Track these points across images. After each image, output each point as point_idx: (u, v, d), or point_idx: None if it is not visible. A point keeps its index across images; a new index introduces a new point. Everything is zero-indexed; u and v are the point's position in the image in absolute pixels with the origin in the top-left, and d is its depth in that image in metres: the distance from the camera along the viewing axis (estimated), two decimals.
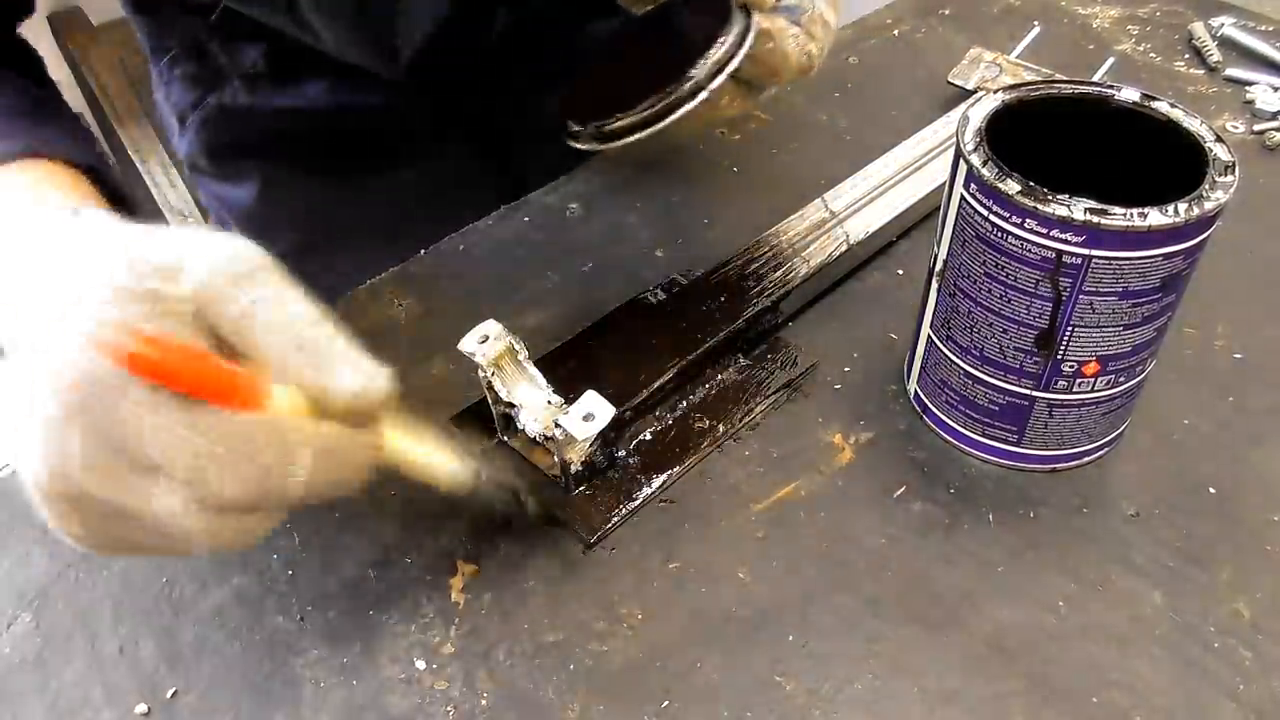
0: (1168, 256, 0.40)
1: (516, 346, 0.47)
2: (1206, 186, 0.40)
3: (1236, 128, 0.70)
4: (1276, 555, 0.45)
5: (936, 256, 0.47)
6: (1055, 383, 0.45)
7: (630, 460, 0.49)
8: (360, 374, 0.32)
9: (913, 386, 0.52)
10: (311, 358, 0.31)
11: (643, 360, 0.51)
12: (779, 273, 0.55)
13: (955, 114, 0.66)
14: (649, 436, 0.50)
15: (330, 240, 0.76)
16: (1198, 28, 0.80)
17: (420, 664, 0.42)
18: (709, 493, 0.48)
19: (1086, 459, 0.49)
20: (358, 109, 0.71)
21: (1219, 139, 0.42)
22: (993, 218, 0.41)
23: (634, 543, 0.46)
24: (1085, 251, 0.40)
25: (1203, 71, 0.77)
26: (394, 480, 0.48)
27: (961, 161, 0.43)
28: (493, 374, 0.46)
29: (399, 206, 0.75)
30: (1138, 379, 0.46)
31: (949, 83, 0.73)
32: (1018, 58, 0.74)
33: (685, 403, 0.52)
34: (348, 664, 0.42)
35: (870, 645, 0.42)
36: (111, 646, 0.43)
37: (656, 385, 0.50)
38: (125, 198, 0.46)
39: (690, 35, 0.50)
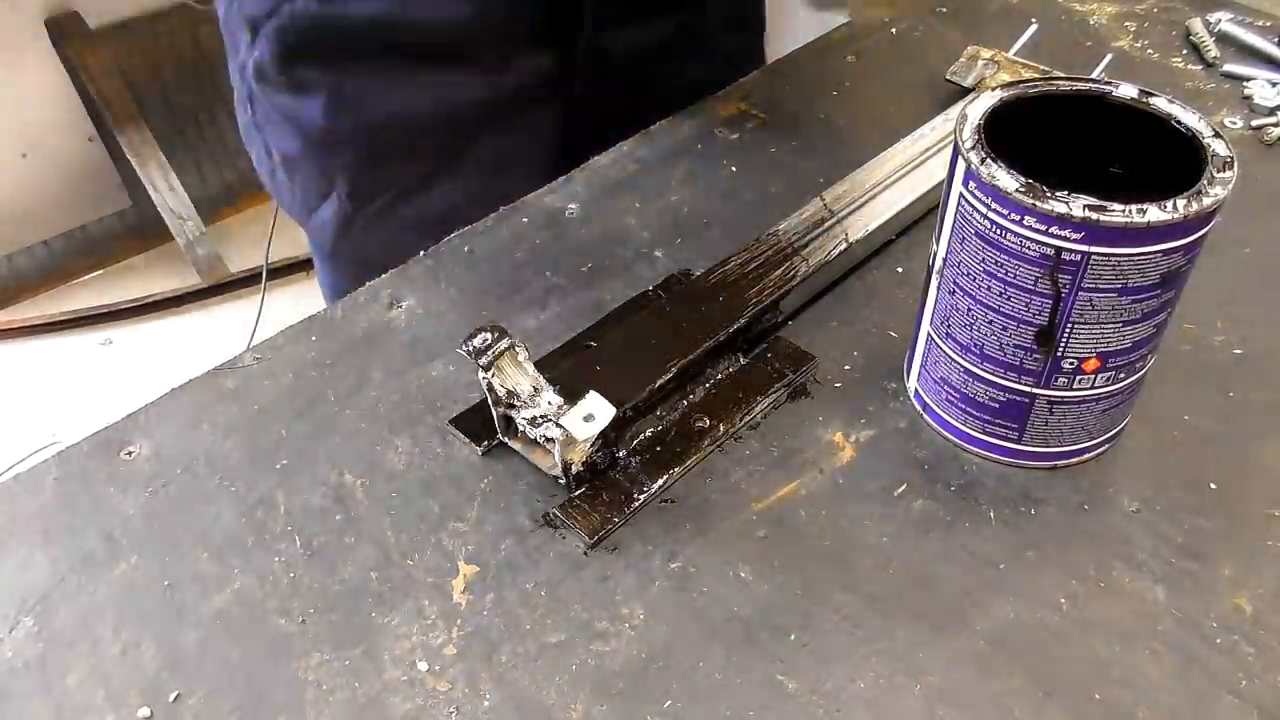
0: (1167, 253, 0.40)
1: (516, 347, 0.47)
2: (1205, 182, 0.40)
3: (1234, 123, 0.70)
4: (1278, 550, 0.45)
5: (935, 254, 0.47)
6: (1055, 380, 0.45)
7: (631, 460, 0.49)
8: None
9: (913, 384, 0.52)
10: None
11: (643, 360, 0.51)
12: (778, 272, 0.55)
13: (953, 112, 0.66)
14: (649, 436, 0.50)
15: (394, 156, 0.76)
16: (1195, 24, 0.80)
17: (423, 666, 0.42)
18: (710, 492, 0.48)
19: (1087, 455, 0.49)
20: (427, 19, 0.70)
21: (1217, 135, 0.42)
22: (991, 215, 0.41)
23: (635, 543, 0.46)
24: (1084, 248, 0.40)
25: (1200, 67, 0.77)
26: (395, 480, 0.49)
27: (960, 159, 0.43)
28: (493, 375, 0.46)
29: (462, 127, 0.75)
30: (1138, 375, 0.46)
31: (947, 80, 0.73)
32: (1015, 55, 0.74)
33: (685, 402, 0.52)
34: (350, 666, 0.42)
35: (872, 644, 0.42)
36: (114, 650, 0.43)
37: (657, 385, 0.50)
38: None
39: None
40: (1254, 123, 0.70)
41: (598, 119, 0.76)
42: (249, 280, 2.02)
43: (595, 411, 0.46)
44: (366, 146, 0.75)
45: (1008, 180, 0.41)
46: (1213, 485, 0.48)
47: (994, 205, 0.41)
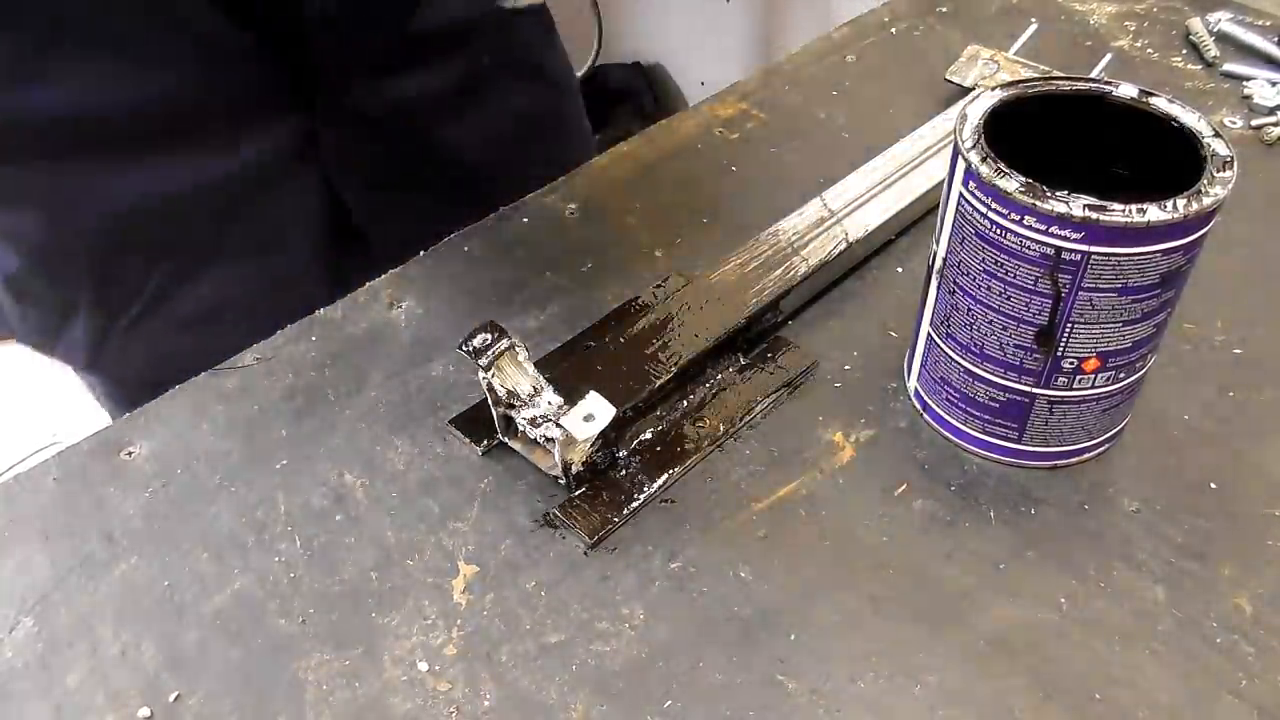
0: (1167, 252, 0.40)
1: (516, 347, 0.47)
2: (1205, 182, 0.40)
3: (1234, 123, 0.70)
4: (1277, 550, 0.45)
5: (935, 254, 0.47)
6: (1055, 379, 0.45)
7: (631, 460, 0.49)
8: None
9: (913, 384, 0.52)
10: None
11: (643, 360, 0.51)
12: (778, 271, 0.55)
13: (953, 111, 0.66)
14: (649, 436, 0.50)
15: (140, 254, 0.66)
16: (1195, 23, 0.80)
17: (423, 666, 0.42)
18: (710, 492, 0.48)
19: (1087, 455, 0.49)
20: (115, 106, 0.60)
21: (1217, 134, 0.42)
22: (991, 215, 0.41)
23: (635, 543, 0.46)
24: (1084, 248, 0.40)
25: (1200, 67, 0.77)
26: (395, 480, 0.49)
27: (960, 159, 0.43)
28: (493, 375, 0.46)
29: (209, 211, 0.66)
30: (1138, 375, 0.46)
31: (947, 80, 0.73)
32: (1015, 55, 0.74)
33: (685, 402, 0.52)
34: (350, 666, 0.42)
35: (872, 644, 0.42)
36: (114, 650, 0.43)
37: (657, 385, 0.50)
38: None
39: None
40: (1254, 123, 0.70)
41: (368, 182, 0.69)
42: None
43: (595, 411, 0.46)
44: (104, 250, 0.65)
45: (1008, 180, 0.41)
46: (1213, 485, 0.48)
47: (994, 205, 0.41)
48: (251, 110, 0.64)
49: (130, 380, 0.70)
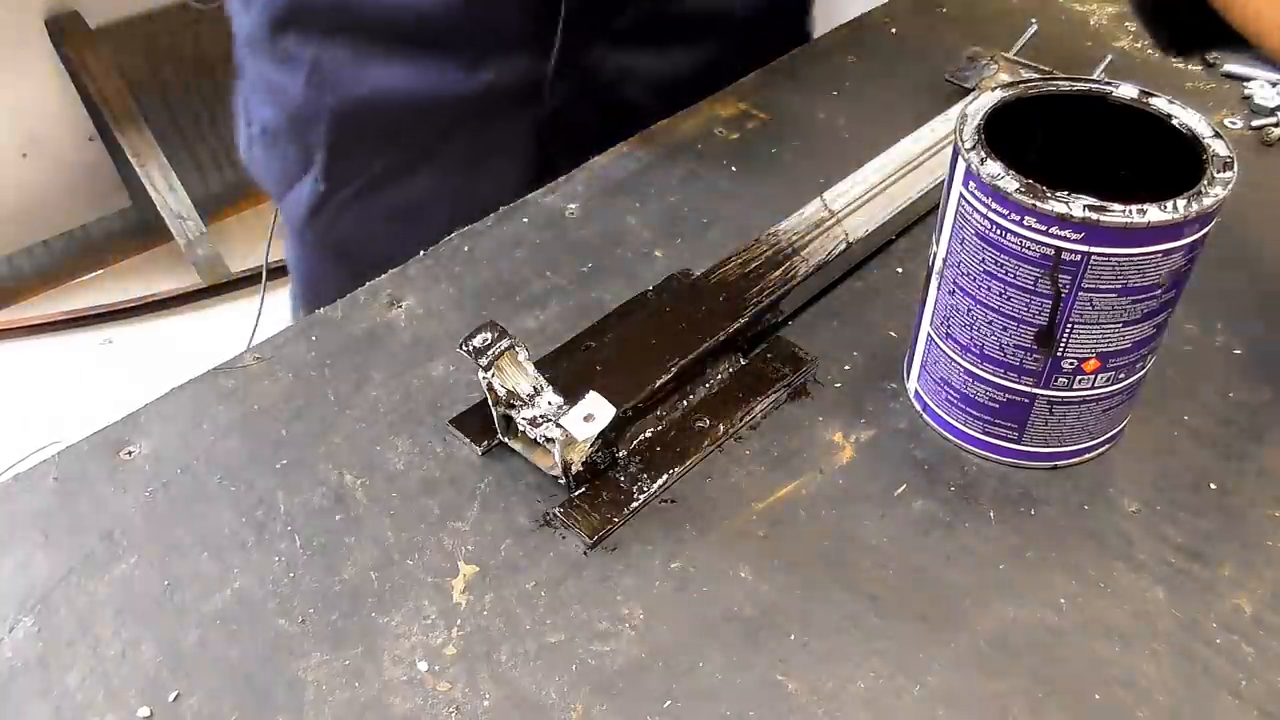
0: (1167, 253, 0.40)
1: (516, 347, 0.47)
2: (1205, 182, 0.40)
3: (1234, 123, 0.70)
4: (1278, 550, 0.45)
5: (935, 254, 0.47)
6: (1055, 380, 0.45)
7: (631, 460, 0.49)
8: None
9: (913, 385, 0.52)
10: None
11: (643, 360, 0.51)
12: (778, 272, 0.55)
13: (953, 112, 0.66)
14: (649, 436, 0.50)
15: (369, 141, 0.76)
16: None
17: (423, 665, 0.42)
18: (710, 492, 0.48)
19: (1087, 455, 0.49)
20: (394, 2, 0.70)
21: (1217, 135, 0.42)
22: (991, 215, 0.41)
23: (635, 543, 0.46)
24: (1084, 248, 0.40)
25: (1200, 67, 0.77)
26: (395, 480, 0.49)
27: (960, 159, 0.43)
28: (493, 374, 0.46)
29: (435, 120, 0.75)
30: (1138, 375, 0.46)
31: (947, 81, 0.74)
32: (1015, 55, 0.75)
33: (685, 403, 0.52)
34: (350, 666, 0.42)
35: (872, 644, 0.42)
36: (113, 650, 0.43)
37: (657, 385, 0.50)
38: None
39: None
40: (1254, 123, 0.70)
41: (574, 144, 0.72)
42: (249, 280, 2.02)
43: (595, 411, 0.46)
44: (342, 127, 0.75)
45: (1008, 180, 0.41)
46: (1213, 485, 0.48)
47: (994, 205, 0.41)
48: (500, 41, 0.71)
49: (329, 249, 0.81)
